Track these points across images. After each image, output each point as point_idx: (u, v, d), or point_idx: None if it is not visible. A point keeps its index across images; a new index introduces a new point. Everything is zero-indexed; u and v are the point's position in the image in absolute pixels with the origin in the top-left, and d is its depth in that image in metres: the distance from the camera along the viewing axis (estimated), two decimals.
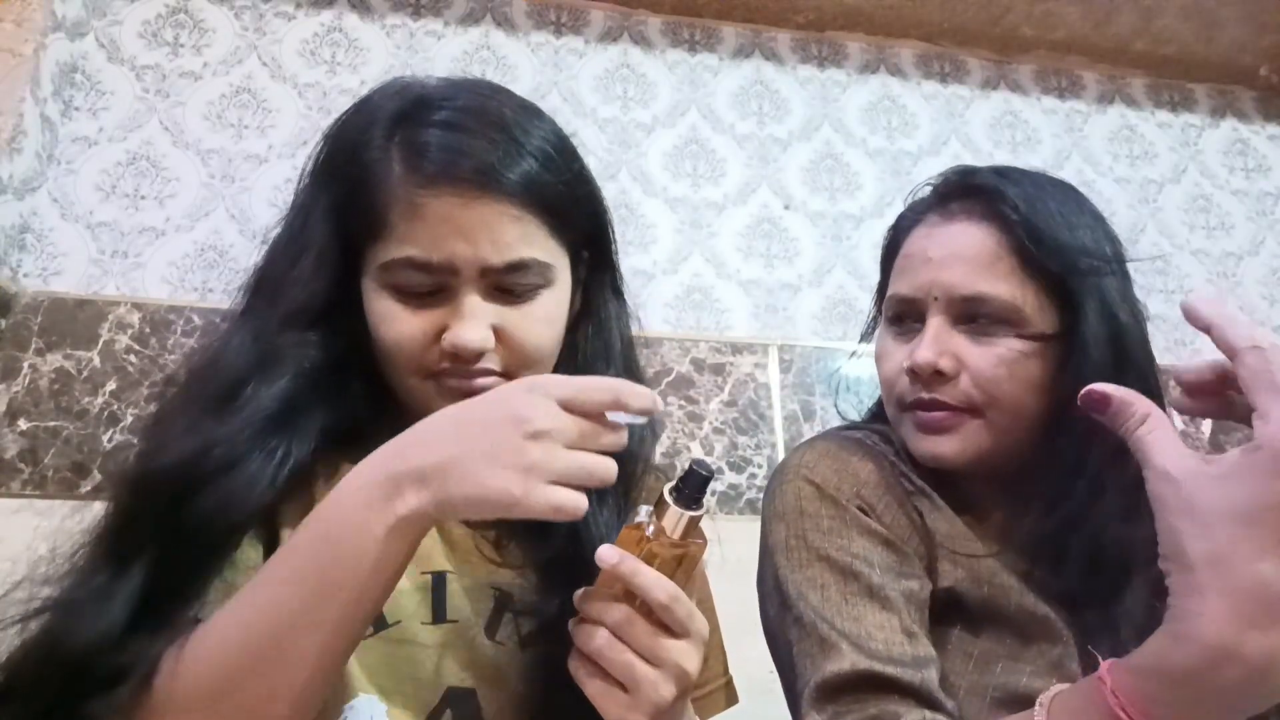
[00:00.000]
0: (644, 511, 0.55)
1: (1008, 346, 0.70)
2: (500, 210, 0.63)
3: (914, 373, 0.72)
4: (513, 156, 0.65)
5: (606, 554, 0.53)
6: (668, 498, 0.54)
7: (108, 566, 0.56)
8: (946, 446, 0.72)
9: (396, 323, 0.64)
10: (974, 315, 0.71)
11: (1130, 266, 0.76)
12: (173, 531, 0.56)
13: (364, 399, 0.67)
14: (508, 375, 0.65)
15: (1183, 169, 1.94)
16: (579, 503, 0.50)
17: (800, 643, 0.66)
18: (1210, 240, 1.89)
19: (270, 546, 0.61)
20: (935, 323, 0.72)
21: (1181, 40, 1.90)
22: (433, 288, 0.64)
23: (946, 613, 0.68)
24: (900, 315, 0.77)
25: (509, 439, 0.50)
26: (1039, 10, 1.82)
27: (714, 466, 0.54)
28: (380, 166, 0.64)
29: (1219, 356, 0.47)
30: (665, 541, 0.54)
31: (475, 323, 0.63)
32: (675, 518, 0.54)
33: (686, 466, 0.54)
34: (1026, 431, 0.72)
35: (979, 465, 0.72)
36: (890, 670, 0.62)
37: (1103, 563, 0.68)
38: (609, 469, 0.52)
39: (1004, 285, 0.70)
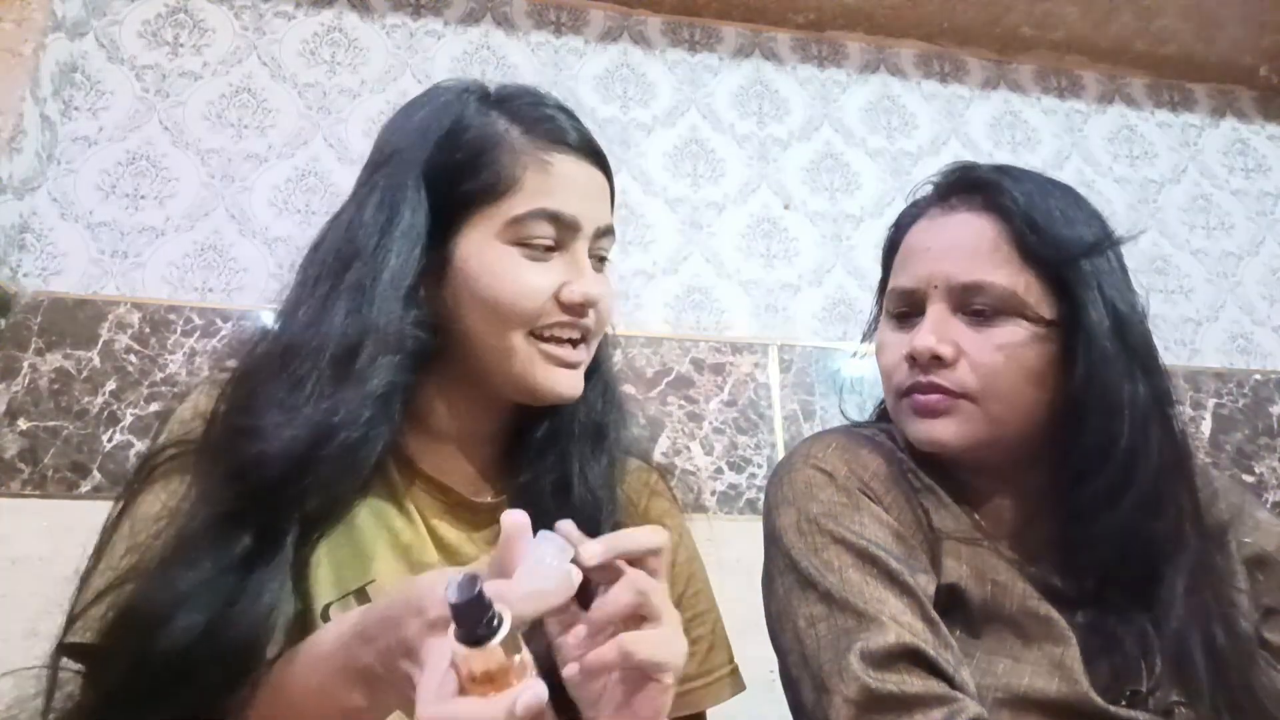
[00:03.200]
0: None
1: (1007, 334, 0.71)
2: (603, 181, 0.72)
3: (913, 359, 0.72)
4: (596, 140, 0.73)
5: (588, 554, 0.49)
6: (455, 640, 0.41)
7: (212, 546, 0.56)
8: (943, 430, 0.72)
9: (523, 274, 0.67)
10: (973, 303, 0.72)
11: (1128, 264, 0.76)
12: (285, 507, 0.58)
13: (435, 394, 0.71)
14: (588, 340, 0.71)
15: (1183, 169, 1.94)
16: None
17: (831, 617, 0.65)
18: (1210, 240, 1.89)
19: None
20: (935, 310, 0.73)
21: (1181, 40, 1.90)
22: (554, 243, 0.68)
23: (947, 613, 0.68)
24: (901, 307, 0.77)
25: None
26: (1039, 10, 1.82)
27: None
28: (492, 129, 0.69)
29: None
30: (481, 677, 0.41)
31: (594, 279, 0.69)
32: (480, 658, 0.41)
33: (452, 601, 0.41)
34: (1024, 422, 0.72)
35: (976, 453, 0.72)
36: (932, 651, 0.62)
37: (1122, 561, 0.68)
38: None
39: (1002, 273, 0.71)
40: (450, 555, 0.68)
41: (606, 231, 0.72)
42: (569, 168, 0.69)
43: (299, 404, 0.60)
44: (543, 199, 0.67)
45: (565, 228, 0.68)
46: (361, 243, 0.66)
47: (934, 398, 0.72)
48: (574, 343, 0.69)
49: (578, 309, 0.68)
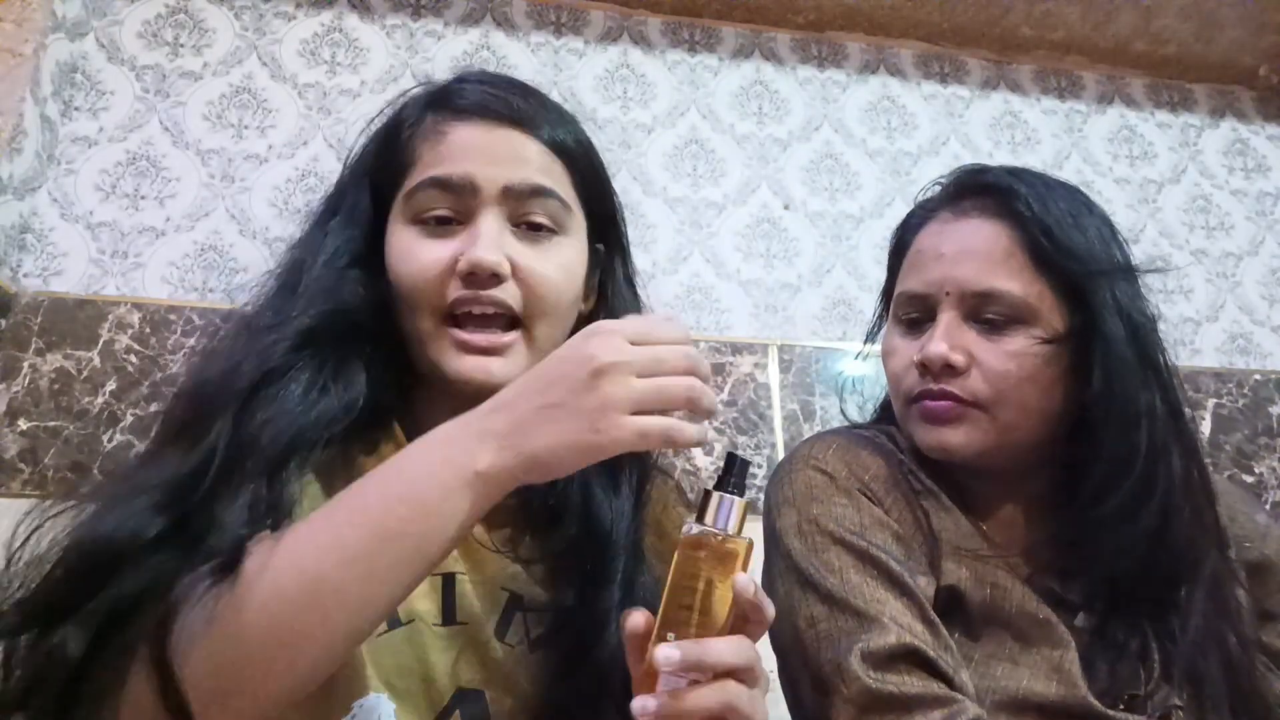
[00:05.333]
0: (693, 522, 0.54)
1: (1019, 344, 0.70)
2: (526, 140, 0.66)
3: (924, 366, 0.72)
4: (544, 115, 0.68)
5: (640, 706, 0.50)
6: (715, 492, 0.54)
7: (164, 468, 0.55)
8: (953, 438, 0.72)
9: (415, 252, 0.65)
10: (986, 311, 0.71)
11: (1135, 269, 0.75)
12: (228, 435, 0.57)
13: (395, 371, 0.68)
14: (523, 321, 0.66)
15: (1182, 169, 1.94)
16: (665, 427, 0.51)
17: (832, 618, 0.65)
18: (1210, 240, 1.89)
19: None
20: (947, 317, 0.72)
21: (1181, 40, 1.90)
22: (452, 211, 0.65)
23: (946, 615, 0.68)
24: (910, 312, 0.77)
25: (576, 380, 0.51)
26: (1039, 10, 1.82)
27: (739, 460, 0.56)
28: (412, 121, 0.68)
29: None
30: (721, 539, 0.53)
31: (491, 243, 0.64)
32: (729, 506, 0.54)
33: (725, 457, 0.55)
34: (1034, 430, 0.72)
35: (984, 460, 0.72)
36: (932, 653, 0.62)
37: (1141, 570, 0.68)
38: (690, 389, 0.52)
39: (1016, 282, 0.71)
40: (470, 553, 0.67)
41: (529, 192, 0.65)
42: (464, 133, 0.66)
43: (237, 356, 0.62)
44: (431, 168, 0.65)
45: (459, 193, 0.64)
46: (306, 238, 0.69)
47: (945, 405, 0.71)
48: (488, 324, 0.65)
49: (471, 278, 0.63)
